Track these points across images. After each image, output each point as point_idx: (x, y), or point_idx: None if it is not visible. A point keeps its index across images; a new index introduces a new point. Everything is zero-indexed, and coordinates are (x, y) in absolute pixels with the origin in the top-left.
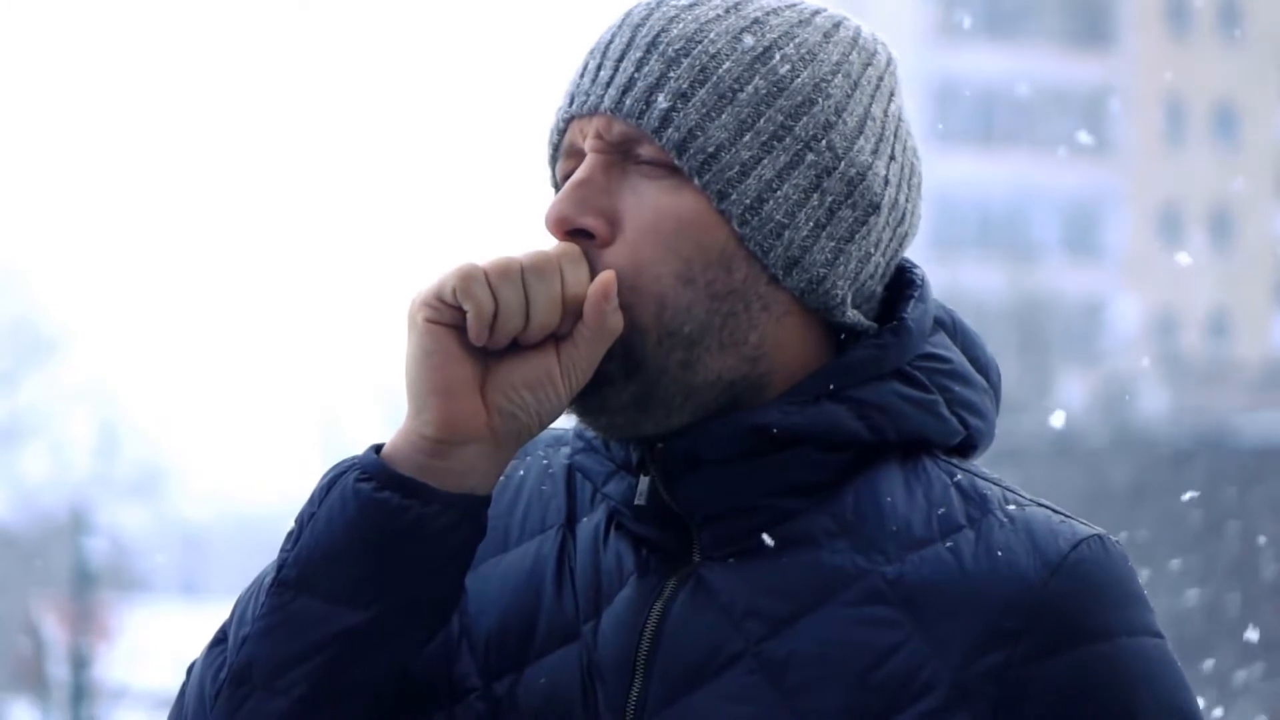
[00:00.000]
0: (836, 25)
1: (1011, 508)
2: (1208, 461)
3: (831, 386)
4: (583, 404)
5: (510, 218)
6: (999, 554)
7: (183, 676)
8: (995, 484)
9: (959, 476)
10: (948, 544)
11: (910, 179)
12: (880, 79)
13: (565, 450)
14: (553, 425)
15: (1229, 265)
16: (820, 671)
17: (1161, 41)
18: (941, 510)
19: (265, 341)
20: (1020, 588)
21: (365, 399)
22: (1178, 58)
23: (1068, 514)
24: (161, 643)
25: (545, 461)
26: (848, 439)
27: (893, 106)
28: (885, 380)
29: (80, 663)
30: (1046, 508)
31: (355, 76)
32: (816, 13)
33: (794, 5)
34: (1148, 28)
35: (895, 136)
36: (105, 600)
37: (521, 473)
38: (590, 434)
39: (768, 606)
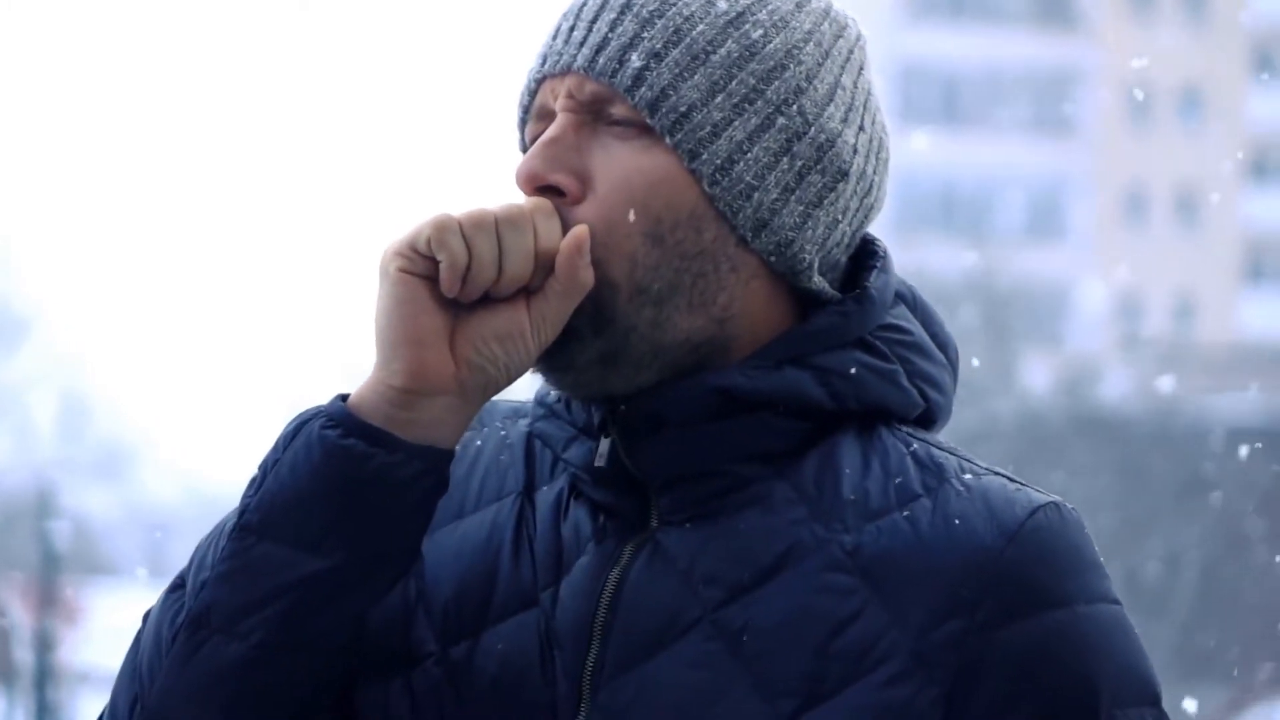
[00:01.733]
0: None
1: (968, 476)
2: (1173, 444)
3: (795, 353)
4: (550, 361)
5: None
6: (956, 522)
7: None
8: (951, 453)
9: (915, 446)
10: (905, 513)
11: (879, 152)
12: (851, 51)
13: (524, 422)
14: (511, 397)
15: (1195, 248)
16: (779, 639)
17: (1127, 23)
18: (899, 480)
19: (233, 322)
20: (977, 556)
21: (334, 379)
22: (1143, 39)
23: (1024, 482)
24: (128, 626)
25: (503, 432)
26: (809, 405)
27: (862, 79)
28: (848, 349)
29: (45, 646)
30: (1003, 476)
31: (346, 73)
32: None
33: None
34: (1113, 9)
35: (865, 108)
36: (71, 583)
37: (479, 443)
38: (552, 399)
39: (726, 573)
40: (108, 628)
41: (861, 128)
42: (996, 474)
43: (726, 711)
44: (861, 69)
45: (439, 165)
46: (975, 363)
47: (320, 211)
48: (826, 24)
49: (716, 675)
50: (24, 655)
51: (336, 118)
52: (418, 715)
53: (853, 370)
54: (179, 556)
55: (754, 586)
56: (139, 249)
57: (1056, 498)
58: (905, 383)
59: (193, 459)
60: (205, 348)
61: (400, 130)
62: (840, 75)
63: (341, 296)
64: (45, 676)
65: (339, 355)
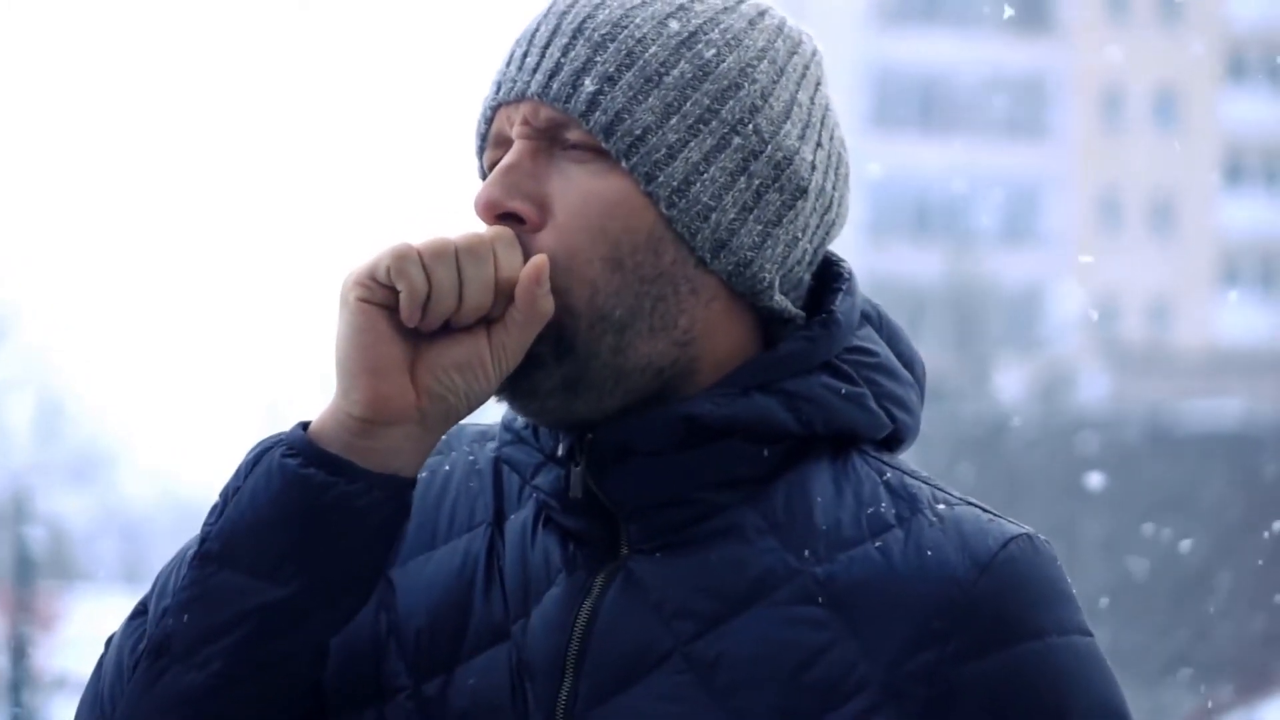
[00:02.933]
0: (761, 14)
1: (941, 506)
2: (1148, 449)
3: (762, 379)
4: (514, 388)
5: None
6: (928, 553)
7: (103, 651)
8: (925, 483)
9: (888, 475)
10: (877, 543)
11: (838, 169)
12: (806, 67)
13: (491, 445)
14: (479, 421)
15: (1170, 251)
16: (751, 672)
17: (1101, 27)
18: (870, 510)
19: (209, 328)
20: (950, 587)
21: (310, 386)
22: (1118, 43)
23: (997, 513)
24: (103, 632)
25: (471, 457)
26: (777, 431)
27: (819, 95)
28: (814, 373)
29: (20, 652)
30: (976, 506)
31: (346, 74)
32: (741, 1)
33: None
34: (1088, 13)
35: (822, 125)
36: (46, 589)
37: (447, 468)
38: (519, 424)
39: (697, 605)
40: (84, 634)
41: (819, 144)
42: (970, 504)
43: None
44: (819, 84)
45: (432, 170)
46: (949, 367)
47: (303, 216)
48: (780, 41)
49: (689, 708)
50: None
51: (331, 121)
52: None
53: (818, 394)
54: (155, 562)
55: (725, 619)
56: (117, 252)
57: (1030, 529)
58: (873, 405)
59: (169, 464)
60: (183, 353)
61: (395, 135)
62: (796, 92)
63: (321, 302)
64: (21, 682)
65: (317, 361)
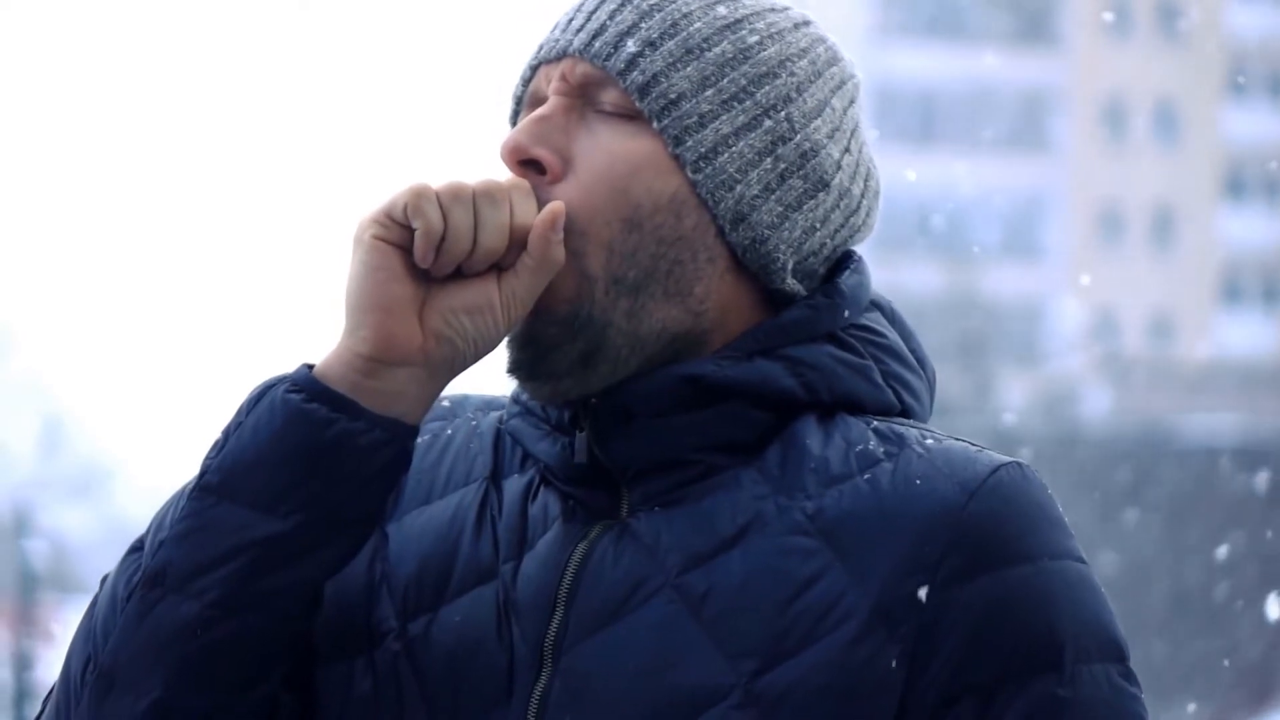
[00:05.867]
0: (806, 22)
1: (929, 441)
2: (1149, 462)
3: (766, 345)
4: (532, 370)
5: None
6: (917, 482)
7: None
8: (913, 427)
9: (875, 423)
10: (865, 476)
11: (866, 179)
12: (843, 81)
13: (495, 414)
14: (484, 392)
15: (1170, 266)
16: (740, 601)
17: (1102, 41)
18: (859, 448)
19: (210, 341)
20: (939, 513)
21: None
22: (1118, 58)
23: (985, 446)
24: None
25: (474, 422)
26: (782, 395)
27: (852, 110)
28: (819, 342)
29: (23, 666)
30: (965, 441)
31: (344, 76)
32: (789, 8)
33: None
34: (1088, 27)
35: (852, 136)
36: (48, 603)
37: (450, 432)
38: (527, 397)
39: (689, 543)
40: None
41: (847, 150)
42: (958, 440)
43: (689, 673)
44: (852, 101)
45: (431, 171)
46: (951, 381)
47: (304, 227)
48: (822, 49)
49: (678, 638)
50: (2, 673)
51: (330, 122)
52: (378, 691)
53: (822, 362)
54: None
55: (716, 554)
56: (116, 269)
57: (1020, 459)
58: (879, 380)
59: (170, 478)
60: (182, 367)
61: (395, 135)
62: (830, 97)
63: (319, 320)
64: (23, 696)
65: None
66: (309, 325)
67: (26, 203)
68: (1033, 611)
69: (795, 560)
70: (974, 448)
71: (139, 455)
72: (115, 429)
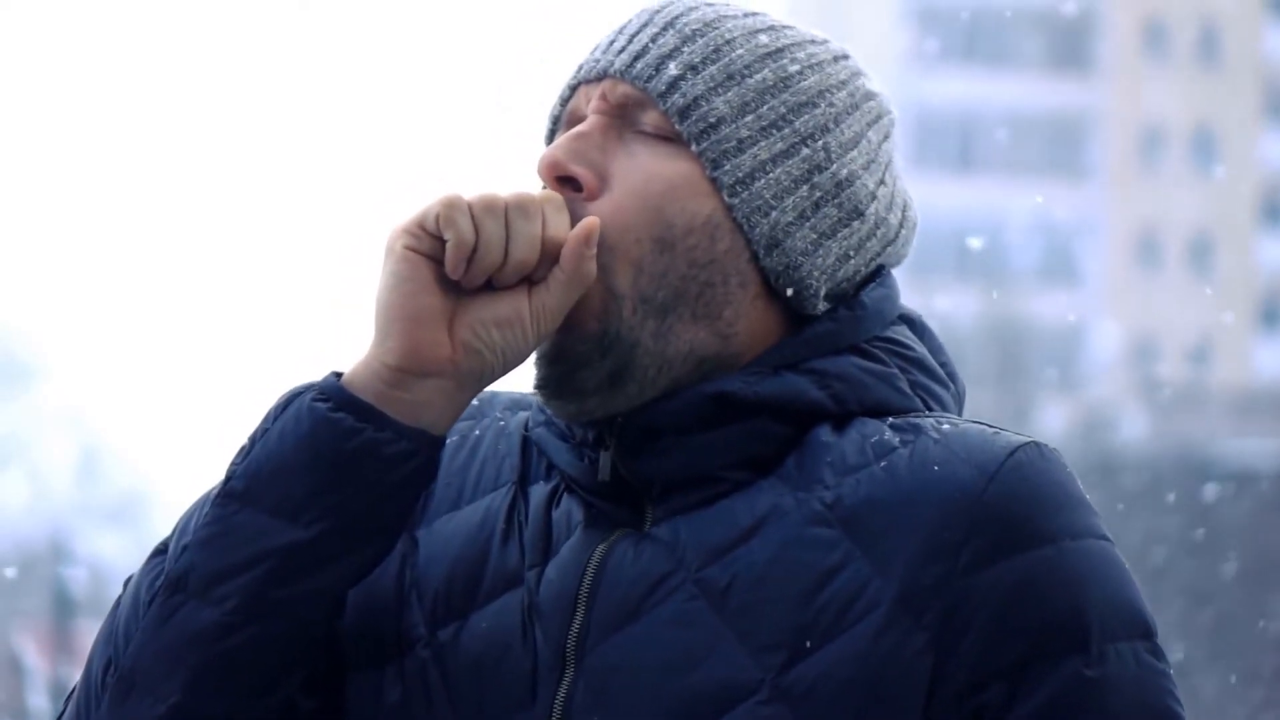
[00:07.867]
0: (846, 55)
1: (945, 426)
2: (1188, 488)
3: (790, 359)
4: (559, 388)
5: None
6: (935, 467)
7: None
8: (928, 416)
9: (892, 419)
10: (882, 464)
11: (904, 210)
12: (879, 115)
13: (523, 415)
14: (512, 390)
15: (1209, 291)
16: (762, 594)
17: (1139, 66)
18: (875, 439)
19: (245, 368)
20: (958, 497)
21: None
22: (1156, 83)
23: (1002, 428)
24: None
25: (502, 422)
26: (811, 408)
27: (887, 145)
28: (843, 354)
29: (61, 692)
30: (981, 424)
31: (344, 77)
32: (828, 40)
33: (809, 31)
34: (1126, 52)
35: (886, 169)
36: (85, 629)
37: (478, 433)
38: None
39: (709, 539)
40: None
41: (883, 181)
42: (975, 423)
43: (714, 668)
44: (887, 136)
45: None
46: (988, 406)
47: (336, 257)
48: (861, 82)
49: (701, 632)
50: (39, 701)
51: (329, 125)
52: (407, 699)
53: (849, 373)
54: None
55: (735, 545)
56: (151, 294)
57: (1037, 439)
58: (904, 387)
59: None
60: (218, 394)
61: (397, 138)
62: (867, 130)
63: (353, 345)
64: None
65: None
66: (341, 361)
67: (60, 235)
68: (1057, 592)
69: (817, 551)
70: (990, 429)
71: (175, 482)
72: (151, 456)
